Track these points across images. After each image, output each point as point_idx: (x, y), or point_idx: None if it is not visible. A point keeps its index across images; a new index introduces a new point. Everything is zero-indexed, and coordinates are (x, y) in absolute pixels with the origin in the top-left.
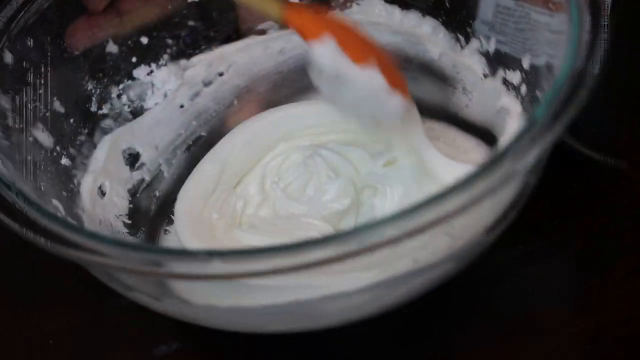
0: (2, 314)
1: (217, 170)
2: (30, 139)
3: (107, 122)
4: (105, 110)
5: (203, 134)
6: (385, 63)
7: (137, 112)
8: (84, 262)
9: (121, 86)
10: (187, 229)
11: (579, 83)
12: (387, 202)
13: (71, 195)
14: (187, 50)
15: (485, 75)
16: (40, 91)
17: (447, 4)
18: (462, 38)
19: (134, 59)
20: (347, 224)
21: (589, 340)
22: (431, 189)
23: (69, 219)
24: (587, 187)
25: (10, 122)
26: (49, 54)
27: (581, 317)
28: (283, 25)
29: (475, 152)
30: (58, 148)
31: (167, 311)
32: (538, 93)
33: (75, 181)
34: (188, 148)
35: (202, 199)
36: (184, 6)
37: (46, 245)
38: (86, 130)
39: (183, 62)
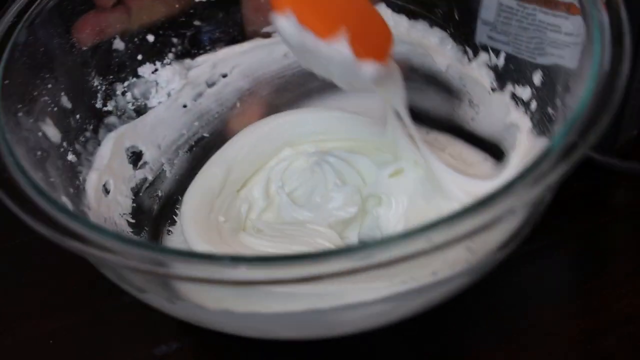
0: (2, 314)
1: (223, 173)
2: (40, 133)
3: (111, 119)
4: (109, 107)
5: (205, 135)
6: (361, 26)
7: (140, 111)
8: (98, 260)
9: (126, 83)
10: (195, 231)
11: (602, 104)
12: (392, 212)
13: (77, 192)
14: (192, 50)
15: (493, 89)
16: (49, 85)
17: (456, 16)
18: (470, 51)
19: (139, 57)
20: (352, 232)
21: (589, 340)
22: (438, 202)
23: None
24: (587, 187)
25: (22, 115)
26: (58, 49)
27: (581, 317)
28: None
29: (482, 167)
30: (65, 144)
31: (180, 315)
32: (550, 110)
33: (81, 178)
34: (190, 149)
35: (209, 202)
36: (191, 5)
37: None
38: (91, 127)
39: (187, 61)
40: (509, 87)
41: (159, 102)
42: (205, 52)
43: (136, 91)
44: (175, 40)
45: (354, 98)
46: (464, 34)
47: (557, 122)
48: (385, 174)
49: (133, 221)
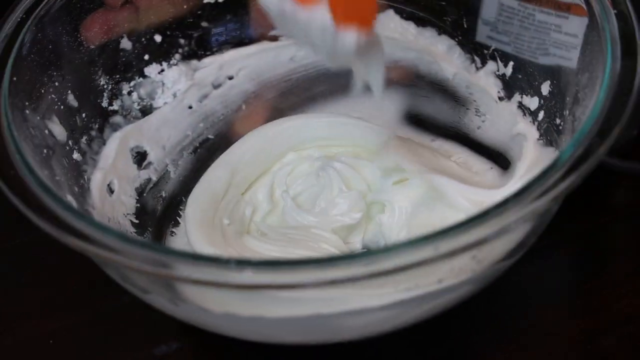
0: (2, 314)
1: (227, 176)
2: (46, 131)
3: (116, 119)
4: (115, 106)
5: (210, 136)
6: None
7: (146, 111)
8: (102, 260)
9: (132, 83)
10: (199, 233)
11: (612, 117)
12: (395, 219)
13: (82, 192)
14: (198, 51)
15: (500, 98)
16: (57, 83)
17: (464, 25)
18: (477, 59)
19: (146, 57)
20: (356, 238)
21: (589, 340)
22: (442, 210)
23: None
24: (587, 187)
25: (28, 112)
26: (66, 47)
27: (581, 317)
28: None
29: (487, 175)
30: (70, 142)
31: (183, 317)
32: (558, 120)
33: (86, 177)
34: (195, 150)
35: (213, 204)
36: (199, 7)
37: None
38: (97, 126)
39: (194, 62)
40: (517, 97)
41: (165, 103)
42: (212, 53)
43: (142, 91)
44: (182, 41)
45: (359, 103)
46: (472, 42)
47: (565, 133)
48: (389, 181)
49: (137, 221)
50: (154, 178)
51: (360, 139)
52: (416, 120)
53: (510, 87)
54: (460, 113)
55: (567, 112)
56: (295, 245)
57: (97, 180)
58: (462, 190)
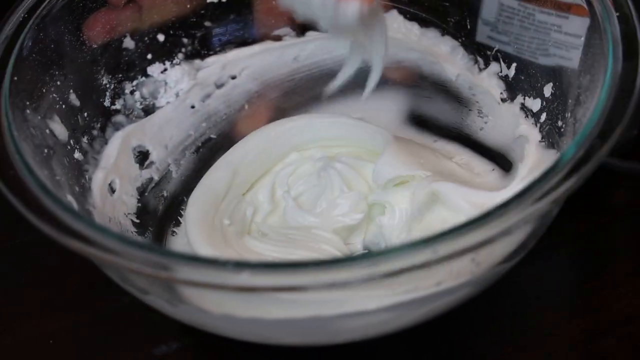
0: (2, 314)
1: (229, 176)
2: (47, 130)
3: (119, 118)
4: (118, 105)
5: (212, 136)
6: None
7: (148, 110)
8: (100, 261)
9: (135, 82)
10: (199, 234)
11: (614, 119)
12: (396, 221)
13: (83, 191)
14: (201, 50)
15: (503, 100)
16: (58, 82)
17: (468, 26)
18: (481, 60)
19: (149, 56)
20: (357, 239)
21: (589, 340)
22: (442, 212)
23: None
24: (587, 187)
25: (29, 112)
26: (68, 46)
27: (581, 317)
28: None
29: (489, 177)
30: (72, 141)
31: (182, 318)
32: (560, 123)
33: (87, 176)
34: (197, 150)
35: (214, 204)
36: (203, 6)
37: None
38: (99, 125)
39: (197, 62)
40: (519, 98)
41: (167, 102)
42: (215, 53)
43: (145, 90)
44: (185, 40)
45: (362, 103)
46: (475, 43)
47: (567, 135)
48: (390, 183)
49: (138, 221)
50: (156, 177)
51: (362, 139)
52: (419, 121)
53: (513, 88)
54: (463, 114)
55: (569, 114)
56: (295, 246)
57: (98, 179)
58: (463, 192)
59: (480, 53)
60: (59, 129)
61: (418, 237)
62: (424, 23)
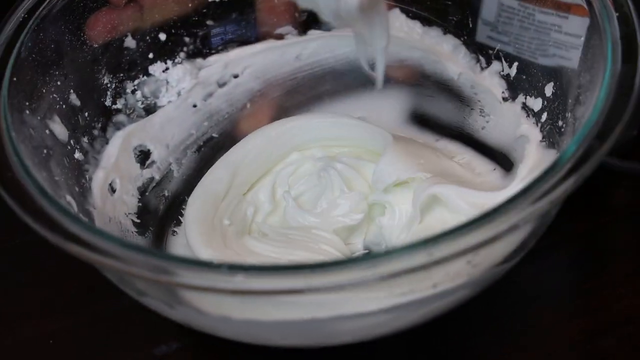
0: (2, 314)
1: (229, 176)
2: (47, 131)
3: (120, 118)
4: (119, 105)
5: (214, 135)
6: None
7: (150, 109)
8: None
9: (136, 82)
10: (198, 234)
11: (613, 118)
12: (396, 222)
13: (83, 192)
14: (203, 49)
15: (504, 99)
16: (59, 82)
17: (470, 25)
18: (483, 59)
19: (150, 55)
20: (357, 239)
21: (588, 340)
22: (441, 214)
23: (82, 217)
24: (587, 187)
25: (28, 113)
26: (69, 46)
27: (581, 317)
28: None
29: (490, 176)
30: (72, 142)
31: (179, 319)
32: (560, 122)
33: (87, 176)
34: (198, 149)
35: (213, 205)
36: (204, 5)
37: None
38: (99, 125)
39: (199, 61)
40: (521, 97)
41: (169, 101)
42: (217, 52)
43: (146, 89)
44: (187, 39)
45: (365, 101)
46: (477, 42)
47: (567, 135)
48: (390, 181)
49: (138, 221)
50: (157, 177)
51: (363, 139)
52: (421, 120)
53: (514, 87)
54: (465, 113)
55: (569, 114)
56: (295, 247)
57: (98, 179)
58: (463, 193)
59: (482, 52)
60: (59, 129)
61: (416, 238)
62: (426, 22)
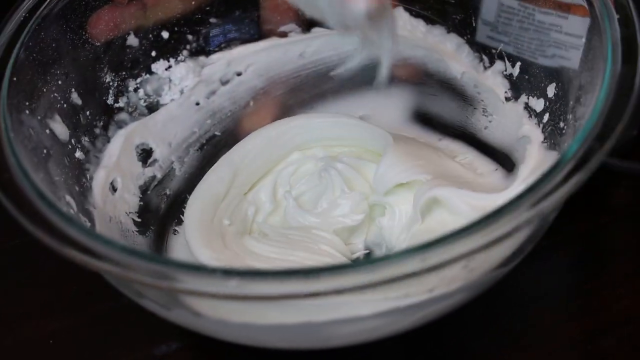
0: (2, 314)
1: (229, 176)
2: (47, 130)
3: (122, 116)
4: (121, 103)
5: (217, 133)
6: None
7: (152, 107)
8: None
9: (139, 80)
10: (197, 235)
11: (613, 120)
12: (396, 222)
13: (83, 191)
14: (206, 47)
15: (507, 99)
16: (60, 82)
17: (473, 24)
18: (486, 59)
19: (153, 53)
20: (357, 239)
21: (589, 340)
22: (441, 215)
23: (82, 216)
24: (587, 187)
25: (28, 113)
26: (70, 44)
27: (581, 317)
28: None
29: (492, 177)
30: (73, 141)
31: (176, 321)
32: (562, 124)
33: (88, 176)
34: (201, 147)
35: (213, 205)
36: (208, 2)
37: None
38: (101, 124)
39: (202, 59)
40: (523, 97)
41: (172, 99)
42: (220, 49)
43: (149, 88)
44: (190, 37)
45: (368, 100)
46: (480, 41)
47: (568, 135)
48: (391, 184)
49: (139, 220)
50: (159, 175)
51: (364, 139)
52: (424, 119)
53: (517, 87)
54: (468, 112)
55: (570, 114)
56: (295, 247)
57: (99, 178)
58: (463, 195)
59: (485, 51)
60: (60, 129)
61: (415, 240)
62: (429, 20)
